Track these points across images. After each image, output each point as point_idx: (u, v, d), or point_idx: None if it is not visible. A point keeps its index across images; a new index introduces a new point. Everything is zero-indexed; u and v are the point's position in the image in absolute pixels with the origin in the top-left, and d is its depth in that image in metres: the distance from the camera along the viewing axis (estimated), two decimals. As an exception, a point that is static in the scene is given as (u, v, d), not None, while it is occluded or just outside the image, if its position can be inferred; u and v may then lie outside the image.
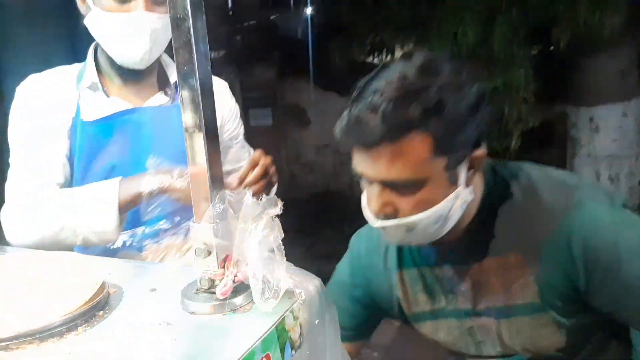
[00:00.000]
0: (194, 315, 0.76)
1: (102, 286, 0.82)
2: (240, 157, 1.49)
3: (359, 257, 1.21)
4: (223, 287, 0.76)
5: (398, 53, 4.18)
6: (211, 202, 0.77)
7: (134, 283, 0.89)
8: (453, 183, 0.94)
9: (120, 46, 1.22)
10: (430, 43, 3.08)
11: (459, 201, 0.95)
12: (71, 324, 0.75)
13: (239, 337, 0.69)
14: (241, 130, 1.51)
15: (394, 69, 0.93)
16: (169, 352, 0.67)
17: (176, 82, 1.31)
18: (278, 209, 0.79)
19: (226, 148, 1.46)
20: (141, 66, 1.26)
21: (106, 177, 1.27)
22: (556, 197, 0.97)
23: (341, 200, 4.51)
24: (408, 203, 0.93)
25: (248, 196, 0.78)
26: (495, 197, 1.01)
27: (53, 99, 1.28)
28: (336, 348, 0.84)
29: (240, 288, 0.78)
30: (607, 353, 1.07)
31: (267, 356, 0.69)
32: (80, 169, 1.28)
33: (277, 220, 0.79)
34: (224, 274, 0.78)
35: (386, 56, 4.20)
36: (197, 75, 0.75)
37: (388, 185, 0.93)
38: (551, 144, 3.99)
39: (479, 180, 1.01)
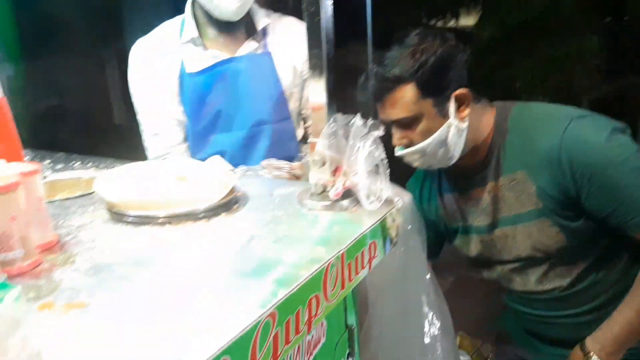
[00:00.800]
0: (311, 211, 0.94)
1: (233, 188, 1.01)
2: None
3: (414, 189, 1.50)
4: (335, 190, 0.93)
5: (463, 18, 4.18)
6: (327, 122, 0.94)
7: (255, 190, 1.09)
8: (443, 116, 1.22)
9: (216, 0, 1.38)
10: (499, 9, 3.10)
11: (452, 129, 1.22)
12: (214, 211, 0.94)
13: (352, 228, 0.86)
14: None
15: (396, 43, 1.23)
16: (298, 230, 0.85)
17: (263, 28, 1.49)
18: (382, 130, 0.94)
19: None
20: (235, 18, 1.41)
21: (213, 122, 1.48)
22: (553, 124, 1.20)
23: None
24: (415, 135, 1.24)
25: (357, 118, 0.94)
26: (503, 129, 1.27)
27: (160, 59, 1.48)
28: (422, 253, 1.01)
29: (347, 194, 0.95)
30: (618, 263, 1.28)
31: (374, 242, 0.86)
32: (191, 116, 1.48)
33: (380, 140, 0.94)
34: (334, 181, 0.95)
35: (450, 20, 4.20)
36: (323, 20, 0.91)
37: (399, 124, 1.24)
38: (623, 115, 3.92)
39: (489, 117, 1.28)
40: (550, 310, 1.35)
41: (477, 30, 3.71)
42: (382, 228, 0.89)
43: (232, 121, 1.49)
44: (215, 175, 1.02)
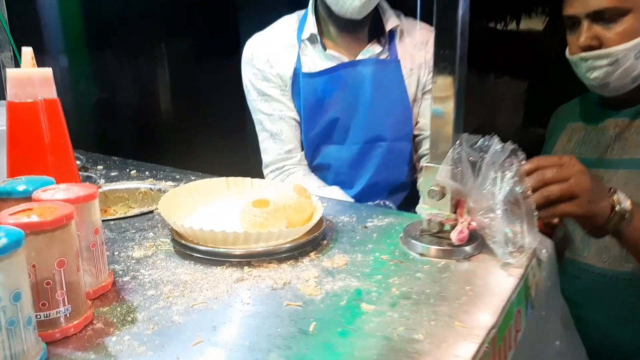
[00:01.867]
0: (423, 257, 0.74)
1: (321, 219, 0.82)
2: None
3: None
4: (459, 234, 0.72)
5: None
6: (452, 144, 0.73)
7: (345, 219, 0.89)
8: None
9: None
10: None
11: None
12: (302, 250, 0.75)
13: (489, 287, 0.65)
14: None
15: None
16: (415, 287, 0.64)
17: (391, 31, 1.29)
18: (524, 157, 0.73)
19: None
20: (358, 16, 1.21)
21: (327, 131, 1.30)
22: None
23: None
24: (612, 35, 1.03)
25: (495, 140, 0.73)
26: None
27: (276, 54, 1.31)
28: (558, 313, 0.79)
29: (471, 236, 0.74)
30: None
31: (519, 311, 0.65)
32: (305, 121, 1.30)
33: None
34: (456, 219, 0.75)
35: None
36: (460, 11, 0.70)
37: (595, 17, 1.03)
38: None
39: None
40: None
41: None
42: (525, 289, 0.68)
43: (346, 133, 1.30)
44: (300, 202, 0.83)
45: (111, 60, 2.06)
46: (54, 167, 0.73)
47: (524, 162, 0.73)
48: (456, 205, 0.75)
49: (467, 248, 0.74)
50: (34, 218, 0.52)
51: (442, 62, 0.71)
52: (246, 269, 0.71)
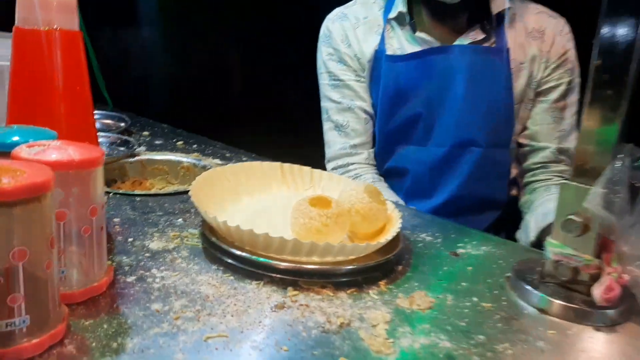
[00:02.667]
0: (543, 314, 0.51)
1: (398, 236, 0.61)
2: None
3: None
4: (608, 290, 0.49)
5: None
6: (611, 158, 0.50)
7: (427, 239, 0.68)
8: None
9: None
10: None
11: None
12: (368, 275, 0.55)
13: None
14: None
15: None
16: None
17: (499, 14, 1.03)
18: None
19: None
20: (455, 0, 0.98)
21: (407, 127, 1.07)
22: None
23: None
24: None
25: (680, 160, 0.49)
26: None
27: (356, 32, 1.10)
28: None
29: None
30: None
31: None
32: (382, 113, 1.08)
33: None
34: (600, 268, 0.51)
35: None
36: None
37: None
38: None
39: None
40: None
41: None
42: None
43: (430, 132, 1.07)
44: (372, 207, 0.63)
45: (185, 34, 1.94)
46: (64, 118, 0.56)
47: None
48: (601, 247, 0.52)
49: (611, 312, 0.50)
50: (-15, 183, 0.34)
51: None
52: (290, 291, 0.51)
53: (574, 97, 1.09)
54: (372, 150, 1.15)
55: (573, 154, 1.11)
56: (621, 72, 0.50)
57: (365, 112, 1.12)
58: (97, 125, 1.21)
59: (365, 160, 1.14)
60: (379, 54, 1.08)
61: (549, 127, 1.09)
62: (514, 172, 1.13)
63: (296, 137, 1.64)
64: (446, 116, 1.05)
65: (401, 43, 1.07)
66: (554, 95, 1.07)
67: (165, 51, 2.02)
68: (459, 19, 1.05)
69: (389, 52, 1.06)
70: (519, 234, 1.02)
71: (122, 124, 1.17)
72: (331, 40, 1.13)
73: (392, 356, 0.42)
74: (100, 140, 1.01)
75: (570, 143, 1.08)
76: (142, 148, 1.02)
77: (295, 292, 0.51)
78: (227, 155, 1.02)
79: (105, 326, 0.42)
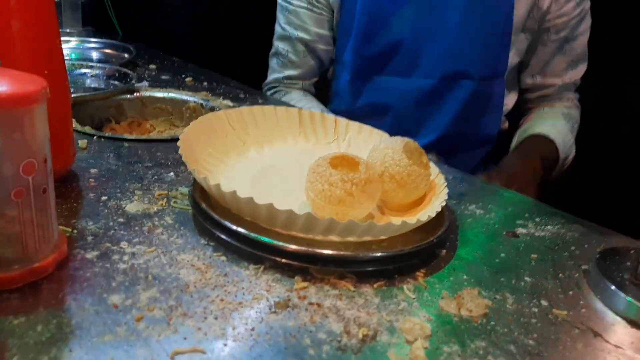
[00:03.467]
0: (634, 328, 0.38)
1: (443, 211, 0.47)
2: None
3: None
4: None
5: None
6: None
7: (478, 211, 0.54)
8: None
9: None
10: None
11: None
12: (402, 264, 0.42)
13: None
14: None
15: None
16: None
17: None
18: None
19: None
20: None
21: (386, 55, 0.92)
22: None
23: None
24: None
25: None
26: None
27: None
28: None
29: None
30: None
31: None
32: (358, 37, 0.92)
33: None
34: None
35: None
36: None
37: None
38: None
39: None
40: None
41: None
42: None
43: (415, 61, 0.92)
44: (411, 171, 0.49)
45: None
46: (17, 40, 0.43)
47: None
48: None
49: None
50: None
51: None
52: (298, 281, 0.38)
53: (585, 24, 0.96)
54: (310, 81, 1.06)
55: (577, 84, 1.00)
56: None
57: (306, 45, 1.00)
58: (97, 55, 1.08)
59: (300, 89, 1.04)
60: None
61: (556, 60, 0.98)
62: (509, 104, 1.01)
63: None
64: (436, 43, 0.90)
65: None
66: (564, 32, 0.95)
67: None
68: None
69: None
70: None
71: (126, 55, 1.04)
72: None
73: (435, 396, 0.29)
74: (96, 72, 0.88)
75: (579, 71, 0.99)
76: (145, 83, 0.88)
77: (305, 284, 0.38)
78: (241, 96, 0.88)
79: (39, 328, 0.31)
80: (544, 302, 0.40)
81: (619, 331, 0.38)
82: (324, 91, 1.08)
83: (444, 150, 0.96)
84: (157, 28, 1.76)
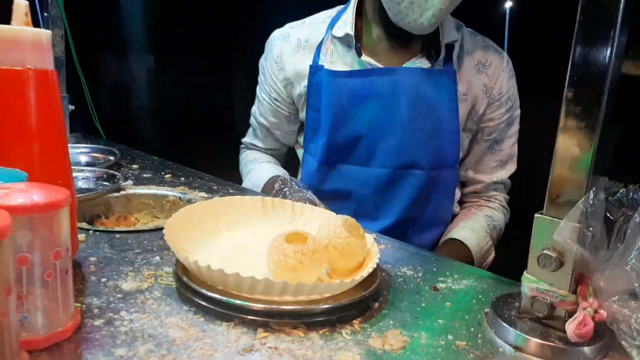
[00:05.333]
0: (518, 352, 0.50)
1: (375, 271, 0.60)
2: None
3: None
4: (581, 326, 0.48)
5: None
6: (584, 190, 0.49)
7: (408, 272, 0.67)
8: None
9: (410, 8, 0.93)
10: None
11: None
12: (342, 314, 0.54)
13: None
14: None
15: None
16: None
17: (449, 44, 1.03)
18: (690, 224, 0.48)
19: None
20: (424, 32, 0.96)
21: (351, 147, 1.08)
22: None
23: None
24: None
25: (651, 193, 0.49)
26: None
27: (294, 55, 1.12)
28: None
29: (594, 332, 0.50)
30: None
31: None
32: (330, 128, 1.07)
33: (685, 242, 0.48)
34: (575, 303, 0.50)
35: None
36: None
37: None
38: None
39: None
40: None
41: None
42: None
43: (373, 153, 1.07)
44: (349, 242, 0.62)
45: (178, 64, 1.96)
46: (37, 157, 0.56)
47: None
48: (577, 282, 0.51)
49: (587, 349, 0.49)
50: None
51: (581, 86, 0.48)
52: (260, 332, 0.50)
53: (514, 129, 1.14)
54: (272, 153, 1.31)
55: (508, 184, 1.17)
56: (593, 104, 0.50)
57: (267, 129, 1.25)
58: (87, 159, 1.22)
59: (264, 154, 1.30)
60: (313, 68, 1.09)
61: (486, 159, 1.14)
62: (458, 193, 1.16)
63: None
64: (389, 138, 1.05)
65: (345, 62, 1.07)
66: (494, 134, 1.12)
67: (158, 81, 2.04)
68: (411, 46, 1.05)
69: (328, 66, 1.07)
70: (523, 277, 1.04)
71: (112, 158, 1.18)
72: (268, 57, 1.18)
73: (358, 402, 0.41)
74: (87, 175, 1.02)
75: (507, 171, 1.15)
76: (129, 182, 1.02)
77: (265, 334, 0.50)
78: (214, 187, 1.02)
79: (64, 375, 0.42)
80: (450, 337, 0.52)
81: (506, 354, 0.50)
82: (293, 173, 1.24)
83: (401, 231, 1.09)
84: (136, 130, 1.93)
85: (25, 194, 0.44)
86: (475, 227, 1.08)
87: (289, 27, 1.16)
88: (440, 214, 1.11)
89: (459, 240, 1.03)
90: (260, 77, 1.21)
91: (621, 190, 0.52)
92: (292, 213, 0.77)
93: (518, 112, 1.13)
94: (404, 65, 1.05)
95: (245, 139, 1.34)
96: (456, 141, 1.06)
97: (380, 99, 1.04)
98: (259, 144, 1.29)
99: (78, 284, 0.58)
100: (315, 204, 0.86)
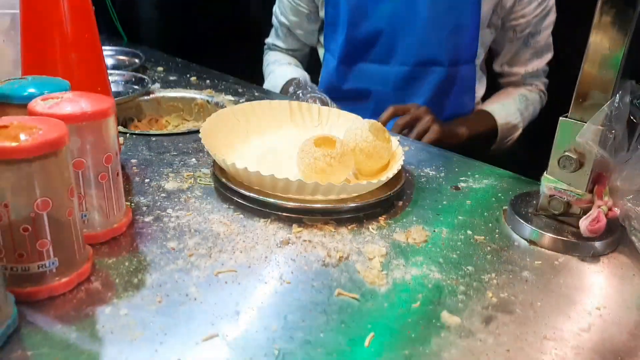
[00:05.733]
0: (532, 245, 0.54)
1: (400, 172, 0.63)
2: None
3: None
4: (594, 222, 0.51)
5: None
6: (611, 94, 0.50)
7: (431, 173, 0.70)
8: None
9: None
10: None
11: None
12: (369, 211, 0.58)
13: (623, 307, 0.45)
14: None
15: None
16: (520, 294, 0.46)
17: None
18: None
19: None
20: None
21: (370, 43, 1.07)
22: None
23: None
24: None
25: (677, 96, 0.49)
26: None
27: None
28: None
29: (609, 228, 0.53)
30: None
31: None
32: (348, 25, 1.06)
33: None
34: (591, 201, 0.53)
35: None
36: None
37: None
38: None
39: None
40: None
41: None
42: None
43: (392, 50, 1.07)
44: (375, 145, 0.65)
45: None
46: (76, 66, 0.58)
47: None
48: (595, 182, 0.54)
49: (598, 244, 0.53)
50: (5, 143, 0.37)
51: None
52: (295, 227, 0.55)
53: (549, 19, 1.10)
54: (294, 54, 1.29)
55: (546, 70, 1.16)
56: (629, 4, 0.49)
57: (287, 28, 1.23)
58: (112, 61, 1.23)
59: (285, 55, 1.29)
60: None
61: (521, 54, 1.13)
62: (480, 91, 1.16)
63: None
64: (409, 34, 1.05)
65: None
66: (528, 29, 1.09)
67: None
68: None
69: None
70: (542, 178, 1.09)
71: (137, 60, 1.19)
72: None
73: (384, 287, 0.46)
74: (115, 78, 1.03)
75: (543, 60, 1.14)
76: (157, 85, 1.04)
77: (300, 229, 0.54)
78: (240, 90, 1.04)
79: (126, 264, 0.47)
80: (469, 232, 0.56)
81: (521, 247, 0.54)
82: (316, 74, 1.24)
83: None
84: (157, 30, 1.90)
85: (74, 103, 0.47)
86: (506, 102, 1.12)
87: None
88: (461, 111, 1.13)
89: (486, 112, 1.07)
90: None
91: (649, 93, 0.52)
92: (319, 117, 0.79)
93: (552, 0, 1.09)
94: None
95: (268, 40, 1.33)
96: (475, 37, 1.06)
97: None
98: (280, 44, 1.28)
99: (125, 184, 0.62)
100: (327, 104, 0.89)
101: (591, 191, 0.54)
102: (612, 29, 0.49)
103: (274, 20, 1.27)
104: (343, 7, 1.06)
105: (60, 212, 0.42)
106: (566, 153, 0.53)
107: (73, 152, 0.47)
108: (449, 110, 1.11)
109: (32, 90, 0.51)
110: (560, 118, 0.53)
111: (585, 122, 0.51)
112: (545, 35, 1.11)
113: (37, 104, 0.46)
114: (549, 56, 1.14)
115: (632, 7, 0.47)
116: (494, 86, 1.21)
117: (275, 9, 1.25)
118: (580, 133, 0.51)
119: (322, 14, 1.14)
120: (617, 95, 0.50)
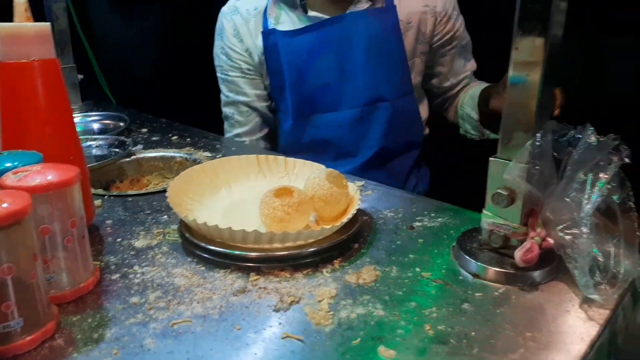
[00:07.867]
0: (476, 279, 0.57)
1: (356, 217, 0.67)
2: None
3: None
4: (526, 253, 0.55)
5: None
6: (532, 133, 0.55)
7: (389, 215, 0.74)
8: None
9: None
10: None
11: None
12: (325, 255, 0.62)
13: (559, 334, 0.48)
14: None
15: None
16: (457, 325, 0.49)
17: None
18: (626, 155, 0.53)
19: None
20: None
21: (317, 97, 1.14)
22: None
23: None
24: None
25: (589, 131, 0.53)
26: None
27: (248, 25, 1.16)
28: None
29: (544, 257, 0.56)
30: None
31: (602, 372, 0.47)
32: (291, 88, 1.13)
33: (623, 174, 0.53)
34: (526, 234, 0.57)
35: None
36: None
37: None
38: None
39: None
40: None
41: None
42: (610, 340, 0.50)
43: (341, 97, 1.14)
44: (332, 192, 0.69)
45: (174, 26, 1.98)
46: (49, 139, 0.64)
47: (627, 159, 0.53)
48: (528, 215, 0.57)
49: (536, 273, 0.56)
50: (-31, 216, 0.42)
51: (528, 19, 0.51)
52: (252, 276, 0.58)
53: (462, 27, 1.23)
54: (257, 136, 1.25)
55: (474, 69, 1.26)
56: (542, 37, 0.54)
57: (248, 106, 1.22)
58: (98, 126, 1.30)
59: (247, 144, 1.25)
60: (266, 33, 1.14)
61: (461, 64, 1.25)
62: (424, 114, 1.25)
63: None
64: (353, 80, 1.13)
65: (293, 22, 1.13)
66: (456, 41, 1.21)
67: (160, 44, 2.07)
68: None
69: (280, 27, 1.13)
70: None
71: (122, 124, 1.25)
72: (223, 35, 1.20)
73: (329, 327, 0.49)
74: (99, 143, 1.10)
75: (472, 63, 1.26)
76: (139, 147, 1.10)
77: (257, 277, 0.58)
78: (218, 146, 1.10)
79: (89, 320, 0.51)
80: (418, 269, 0.59)
81: (465, 281, 0.57)
82: (274, 139, 1.30)
83: (381, 161, 1.20)
84: (145, 91, 1.99)
85: (42, 175, 0.52)
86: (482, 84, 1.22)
87: (233, 0, 1.20)
88: (412, 139, 1.23)
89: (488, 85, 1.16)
90: (222, 62, 1.21)
91: (570, 132, 0.57)
92: (286, 167, 0.84)
93: (457, 10, 1.21)
94: (348, 9, 1.12)
95: (227, 135, 1.27)
96: (406, 70, 1.16)
97: (335, 46, 1.12)
98: (239, 130, 1.24)
99: (97, 244, 0.67)
100: None
101: (526, 224, 0.57)
102: (524, 83, 0.54)
103: (226, 110, 1.24)
104: (286, 70, 1.13)
105: (25, 276, 0.46)
106: (498, 190, 0.57)
107: (43, 218, 0.51)
108: (402, 138, 1.20)
109: (8, 164, 0.56)
110: (490, 158, 0.58)
111: (510, 161, 0.55)
112: (465, 38, 1.23)
113: (7, 178, 0.51)
114: (471, 57, 1.26)
115: (542, 51, 0.52)
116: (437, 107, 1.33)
117: (225, 97, 1.23)
118: (507, 171, 0.55)
119: (267, 83, 1.20)
120: (538, 134, 0.55)
